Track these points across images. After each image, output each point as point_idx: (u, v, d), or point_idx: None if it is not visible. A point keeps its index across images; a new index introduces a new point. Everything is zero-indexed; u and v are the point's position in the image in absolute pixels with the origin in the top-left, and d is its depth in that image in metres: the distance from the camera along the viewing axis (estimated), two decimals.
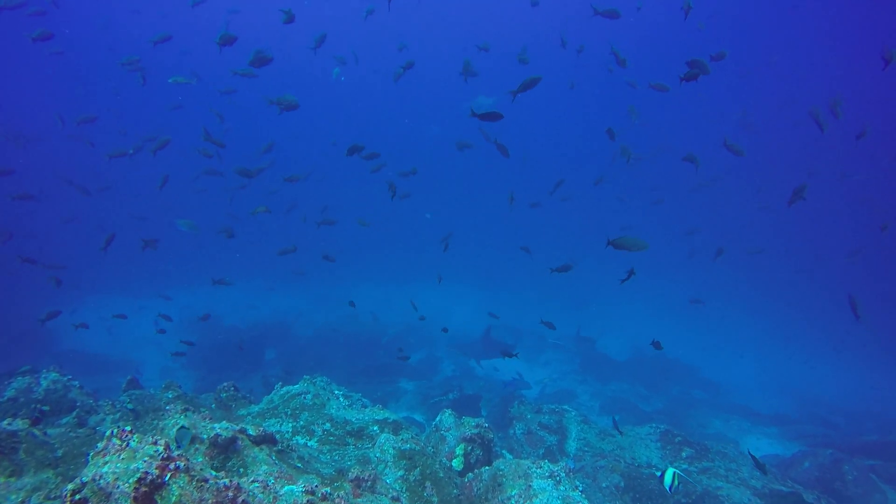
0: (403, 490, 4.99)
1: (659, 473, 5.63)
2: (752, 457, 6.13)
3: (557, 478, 4.94)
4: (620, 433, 9.12)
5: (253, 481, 3.53)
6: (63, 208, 25.51)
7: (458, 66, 12.34)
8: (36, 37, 11.11)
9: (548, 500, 4.63)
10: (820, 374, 23.01)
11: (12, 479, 4.44)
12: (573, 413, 9.82)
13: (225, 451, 4.27)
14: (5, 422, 5.14)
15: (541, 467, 5.06)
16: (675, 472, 5.55)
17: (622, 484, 7.95)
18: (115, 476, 3.02)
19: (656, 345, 7.96)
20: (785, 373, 22.57)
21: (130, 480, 3.00)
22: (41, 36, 11.14)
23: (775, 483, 8.53)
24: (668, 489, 5.52)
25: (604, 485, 8.03)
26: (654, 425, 9.70)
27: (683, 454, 8.93)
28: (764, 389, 20.59)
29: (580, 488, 4.93)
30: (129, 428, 3.34)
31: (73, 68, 40.06)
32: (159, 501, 3.07)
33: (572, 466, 8.31)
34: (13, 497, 4.32)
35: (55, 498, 4.43)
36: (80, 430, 5.69)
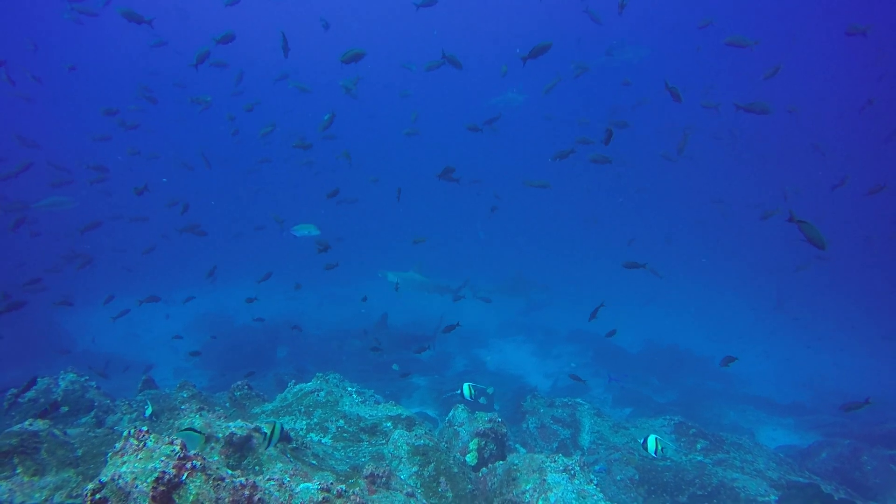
0: (418, 486, 5.01)
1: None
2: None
3: (572, 471, 4.92)
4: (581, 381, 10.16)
5: (269, 479, 3.56)
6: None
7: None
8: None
9: (563, 493, 4.62)
10: (834, 362, 22.65)
11: (35, 478, 4.53)
12: (586, 406, 9.77)
13: (240, 450, 4.31)
14: (27, 422, 5.24)
15: (555, 461, 5.04)
16: (479, 389, 6.59)
17: (637, 477, 7.92)
18: (134, 476, 3.05)
19: (727, 361, 8.47)
20: (799, 362, 22.25)
21: (148, 480, 3.04)
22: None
23: (792, 474, 8.44)
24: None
25: (618, 478, 8.00)
26: (668, 417, 9.63)
27: (698, 446, 8.86)
28: (779, 379, 20.33)
29: (595, 482, 4.91)
30: (145, 428, 3.37)
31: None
32: (177, 500, 3.10)
33: (590, 462, 8.33)
34: (37, 496, 4.40)
35: (76, 496, 4.51)
36: (99, 430, 5.77)
